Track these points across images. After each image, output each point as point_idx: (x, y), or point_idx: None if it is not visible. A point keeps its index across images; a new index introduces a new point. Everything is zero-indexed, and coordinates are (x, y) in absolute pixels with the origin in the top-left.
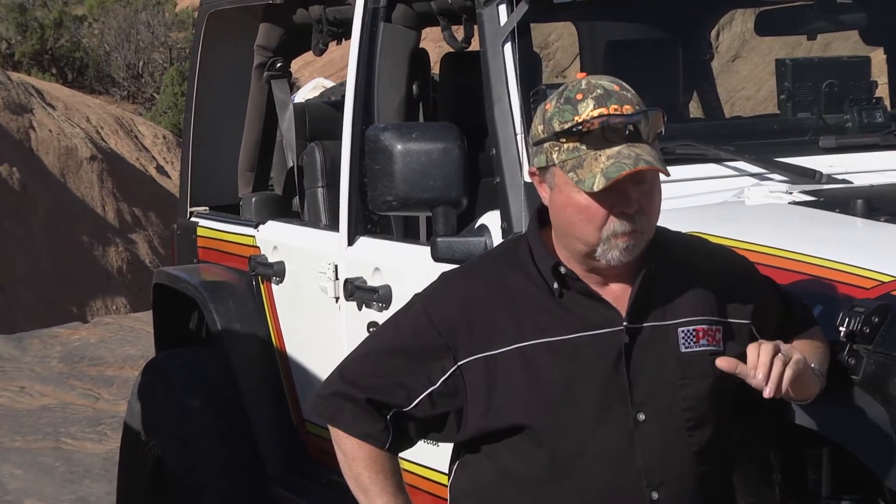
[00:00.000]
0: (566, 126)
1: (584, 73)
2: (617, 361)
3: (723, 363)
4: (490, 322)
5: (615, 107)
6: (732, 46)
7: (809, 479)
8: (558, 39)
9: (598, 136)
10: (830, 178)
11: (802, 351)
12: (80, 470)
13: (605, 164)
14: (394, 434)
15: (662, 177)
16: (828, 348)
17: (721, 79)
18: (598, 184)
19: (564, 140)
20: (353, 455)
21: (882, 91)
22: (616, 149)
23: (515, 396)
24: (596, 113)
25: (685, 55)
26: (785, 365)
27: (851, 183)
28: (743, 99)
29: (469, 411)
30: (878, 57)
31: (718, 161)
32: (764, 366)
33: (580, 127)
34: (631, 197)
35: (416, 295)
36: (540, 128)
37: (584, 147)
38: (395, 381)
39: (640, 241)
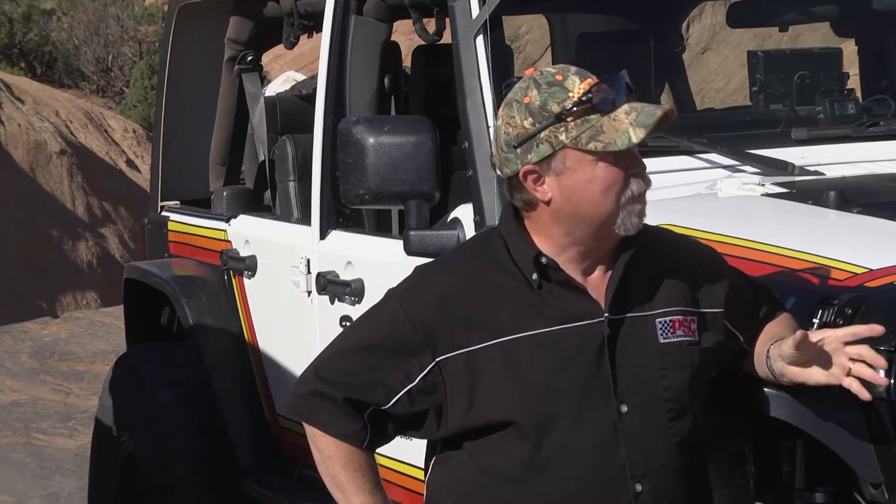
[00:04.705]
0: (567, 105)
1: (532, 69)
2: (599, 353)
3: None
4: (468, 316)
5: (590, 79)
6: (702, 39)
7: (783, 470)
8: (528, 32)
9: (604, 101)
10: (803, 170)
11: (781, 336)
12: (52, 465)
13: (632, 118)
14: (371, 432)
15: None
16: None
17: (691, 71)
18: (636, 135)
19: (570, 118)
20: (329, 454)
21: (853, 82)
22: (626, 106)
23: (500, 392)
24: (587, 83)
25: (657, 47)
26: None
27: (824, 174)
28: (713, 91)
29: (449, 408)
30: (850, 48)
31: (691, 153)
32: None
33: (589, 94)
34: (639, 157)
35: (390, 290)
36: (527, 122)
37: (594, 116)
38: (372, 378)
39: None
